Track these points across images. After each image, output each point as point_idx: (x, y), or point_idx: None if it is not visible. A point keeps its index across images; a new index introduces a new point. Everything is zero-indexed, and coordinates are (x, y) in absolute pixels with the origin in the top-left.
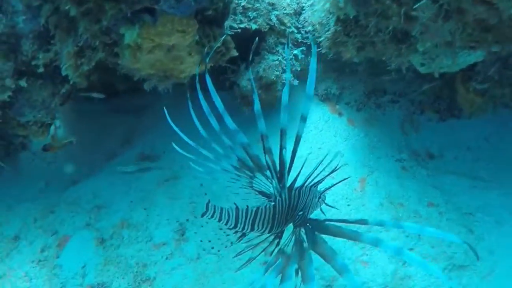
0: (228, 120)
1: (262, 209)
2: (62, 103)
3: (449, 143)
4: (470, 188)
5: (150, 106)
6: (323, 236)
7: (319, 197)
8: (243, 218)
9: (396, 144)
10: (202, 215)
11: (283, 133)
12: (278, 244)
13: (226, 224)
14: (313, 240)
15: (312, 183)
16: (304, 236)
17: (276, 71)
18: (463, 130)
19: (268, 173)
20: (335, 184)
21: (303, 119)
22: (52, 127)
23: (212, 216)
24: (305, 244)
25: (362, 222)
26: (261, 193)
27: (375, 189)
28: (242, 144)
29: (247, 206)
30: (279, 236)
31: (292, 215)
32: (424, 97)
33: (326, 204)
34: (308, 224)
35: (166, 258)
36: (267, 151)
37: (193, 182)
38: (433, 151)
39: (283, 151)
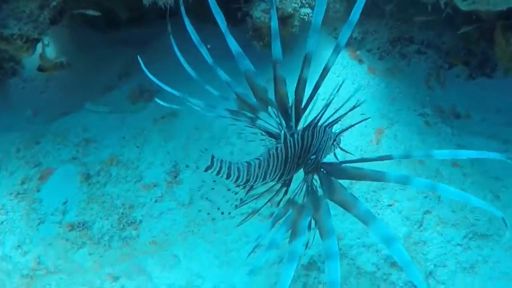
0: (231, 41)
1: (274, 154)
2: (53, 20)
3: (477, 103)
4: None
5: (154, 38)
6: (341, 181)
7: (334, 140)
8: (256, 171)
9: (419, 98)
10: (206, 170)
11: (307, 60)
12: (286, 193)
13: (236, 181)
14: (329, 186)
15: (327, 123)
16: (318, 184)
17: (294, 3)
18: (494, 90)
19: (275, 110)
20: (353, 125)
21: (338, 48)
22: (39, 44)
23: (218, 173)
24: (320, 193)
25: (386, 157)
26: (267, 133)
27: (393, 142)
28: (247, 72)
29: (259, 158)
30: (287, 184)
31: (304, 159)
32: (454, 50)
33: (341, 149)
34: (322, 169)
35: (156, 201)
36: (280, 81)
37: (192, 121)
38: (459, 110)
39: (303, 82)
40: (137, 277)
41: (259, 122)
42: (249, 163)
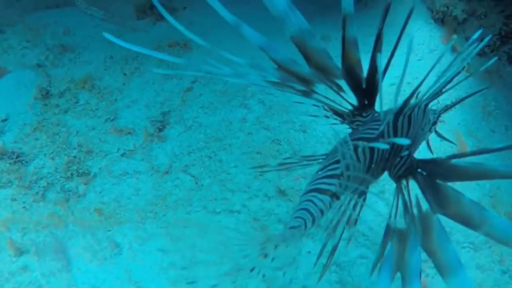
0: None
1: (359, 154)
2: None
3: None
4: None
5: None
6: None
7: (434, 123)
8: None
9: None
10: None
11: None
12: (363, 203)
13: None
14: (436, 195)
15: (427, 99)
16: (420, 192)
17: None
18: None
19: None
20: (465, 98)
21: None
22: None
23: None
24: (426, 207)
25: None
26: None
27: None
28: (295, 30)
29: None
30: (363, 192)
31: (394, 158)
32: None
33: (438, 135)
34: (419, 170)
35: (123, 155)
36: (350, 43)
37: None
38: None
39: (380, 41)
40: (51, 261)
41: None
42: (328, 191)
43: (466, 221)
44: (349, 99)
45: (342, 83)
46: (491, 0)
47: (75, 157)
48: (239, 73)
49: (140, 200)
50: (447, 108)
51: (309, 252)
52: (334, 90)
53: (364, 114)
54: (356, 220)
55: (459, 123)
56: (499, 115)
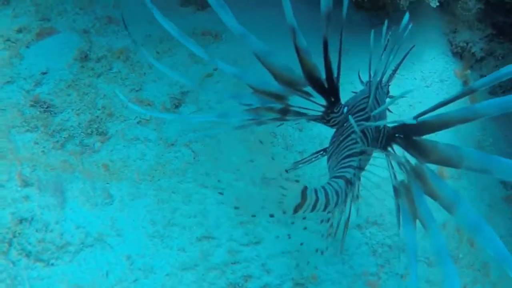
0: (226, 18)
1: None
2: None
3: None
4: None
5: None
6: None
7: (388, 92)
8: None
9: None
10: (296, 211)
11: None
12: (359, 178)
13: (335, 205)
14: (418, 149)
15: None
16: (403, 152)
17: None
18: None
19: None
20: (401, 62)
21: None
22: None
23: (313, 209)
24: (414, 161)
25: (468, 91)
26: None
27: None
28: (258, 53)
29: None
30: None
31: (376, 132)
32: None
33: (391, 97)
34: (395, 134)
35: (138, 122)
36: (303, 52)
37: (235, 49)
38: None
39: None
40: (49, 197)
41: (290, 115)
42: (343, 177)
43: (448, 163)
44: (318, 102)
45: (309, 89)
46: (510, 43)
47: (97, 117)
48: (223, 115)
49: (143, 164)
50: (391, 77)
51: (277, 236)
52: (304, 98)
53: (335, 110)
54: (358, 196)
55: None
56: (493, 151)
